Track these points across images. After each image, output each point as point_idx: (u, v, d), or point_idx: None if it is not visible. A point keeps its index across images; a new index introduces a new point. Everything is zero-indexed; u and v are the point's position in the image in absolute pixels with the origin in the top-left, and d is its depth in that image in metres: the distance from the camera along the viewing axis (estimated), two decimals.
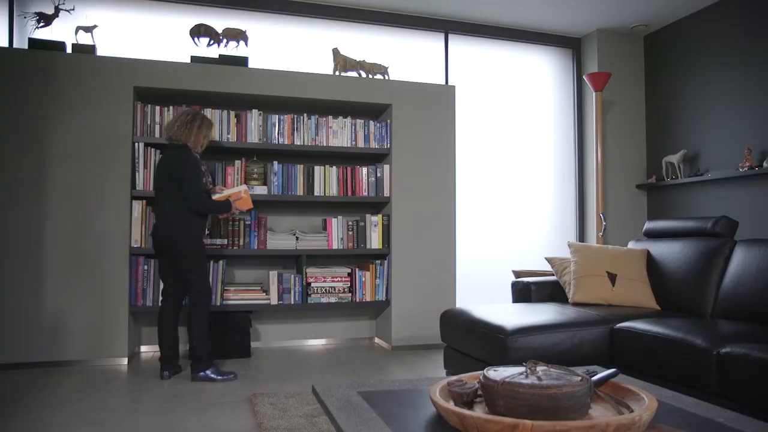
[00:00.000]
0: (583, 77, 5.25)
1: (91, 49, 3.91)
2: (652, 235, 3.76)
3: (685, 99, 5.09)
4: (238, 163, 4.09)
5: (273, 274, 4.11)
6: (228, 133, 4.05)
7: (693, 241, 3.37)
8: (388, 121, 4.41)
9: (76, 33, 3.99)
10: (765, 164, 4.23)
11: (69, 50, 3.88)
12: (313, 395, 2.86)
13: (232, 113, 4.07)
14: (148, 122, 3.92)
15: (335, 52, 4.42)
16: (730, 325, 2.75)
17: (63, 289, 3.66)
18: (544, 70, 5.59)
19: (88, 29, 4.00)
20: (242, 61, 4.17)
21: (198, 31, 4.16)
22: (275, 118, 4.17)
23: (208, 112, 4.01)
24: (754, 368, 2.18)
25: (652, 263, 3.51)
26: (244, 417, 2.65)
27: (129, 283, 3.77)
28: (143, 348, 4.14)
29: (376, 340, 4.62)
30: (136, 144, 3.84)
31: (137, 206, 3.83)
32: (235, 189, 3.53)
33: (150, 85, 3.87)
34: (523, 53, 5.51)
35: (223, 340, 3.91)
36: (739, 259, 3.05)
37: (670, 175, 5.10)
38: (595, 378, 1.50)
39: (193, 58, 4.07)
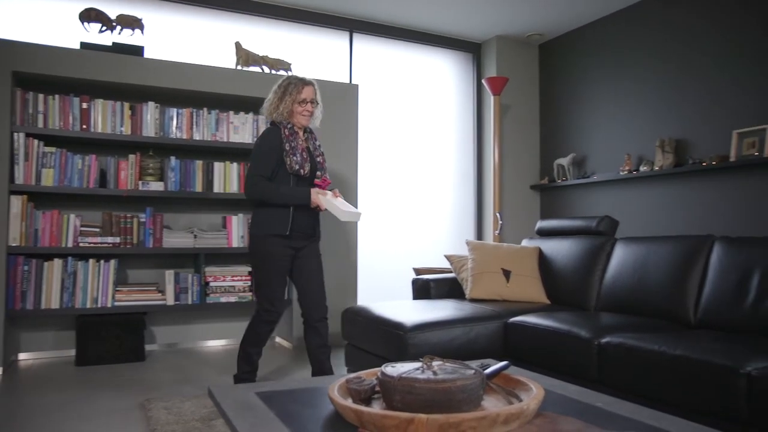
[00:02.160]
0: (483, 81, 5.46)
1: None
2: (544, 234, 3.97)
3: (575, 106, 5.42)
4: (132, 157, 3.88)
5: (169, 274, 3.95)
6: (122, 126, 3.85)
7: (580, 239, 3.59)
8: None
9: None
10: (641, 168, 4.59)
11: None
12: (209, 398, 2.78)
13: (126, 105, 3.86)
14: (30, 111, 3.64)
15: (237, 45, 4.32)
16: (611, 317, 2.96)
17: None
18: (446, 73, 5.74)
19: None
20: (137, 50, 3.97)
21: (88, 16, 3.91)
22: (173, 111, 4.00)
23: (99, 103, 3.78)
24: (629, 356, 2.36)
25: (543, 260, 3.71)
26: (136, 424, 2.53)
27: (6, 284, 3.48)
28: (22, 356, 3.84)
29: (278, 339, 4.56)
30: (15, 134, 3.55)
31: (16, 202, 3.54)
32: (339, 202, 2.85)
33: (32, 71, 3.59)
34: (426, 55, 5.64)
35: (115, 344, 3.71)
36: (619, 255, 3.29)
37: (561, 176, 5.41)
38: (487, 371, 1.56)
39: (83, 45, 3.82)
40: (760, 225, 3.87)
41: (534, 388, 1.46)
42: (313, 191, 2.80)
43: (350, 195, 4.50)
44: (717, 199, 4.16)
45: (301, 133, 2.92)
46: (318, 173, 2.92)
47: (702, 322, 2.76)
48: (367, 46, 5.33)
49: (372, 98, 5.31)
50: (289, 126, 2.86)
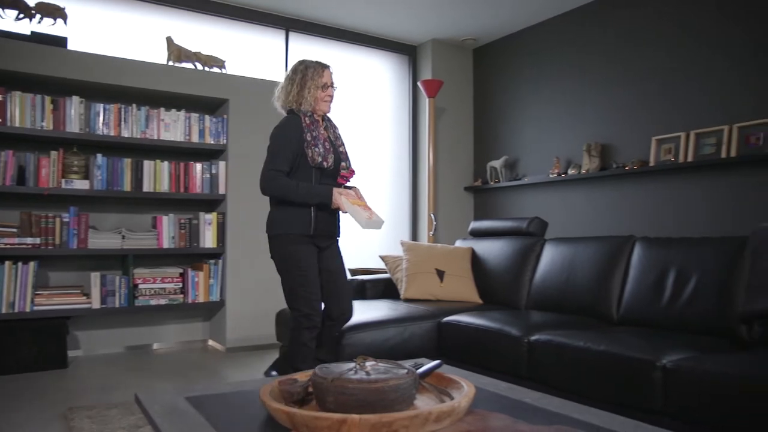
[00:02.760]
0: (418, 83, 5.52)
1: None
2: (477, 234, 4.06)
3: (507, 110, 5.57)
4: (54, 154, 3.70)
5: (95, 276, 3.78)
6: (42, 121, 3.66)
7: (511, 240, 3.69)
8: (225, 116, 4.27)
9: None
10: (569, 171, 4.77)
11: None
12: (136, 404, 2.68)
13: (48, 99, 3.67)
14: None
15: (169, 40, 4.19)
16: (540, 315, 3.06)
17: None
18: (383, 74, 5.78)
19: None
20: (60, 41, 3.78)
21: (3, 1, 3.70)
22: (99, 107, 3.84)
23: (16, 96, 3.58)
24: (557, 352, 2.45)
25: (476, 260, 3.79)
26: None
27: None
28: None
29: (210, 342, 4.46)
30: None
31: None
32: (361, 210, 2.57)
33: None
34: (362, 56, 5.65)
35: (34, 351, 3.52)
36: (548, 256, 3.40)
37: (494, 178, 5.55)
38: (420, 370, 1.58)
39: None
40: (676, 226, 4.09)
41: (465, 386, 1.49)
42: (335, 191, 2.55)
43: None
44: (638, 201, 4.38)
45: (321, 122, 2.71)
46: (343, 164, 2.69)
47: (624, 318, 2.89)
48: (303, 46, 5.28)
49: None
50: (309, 114, 2.64)
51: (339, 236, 2.79)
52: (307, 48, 5.29)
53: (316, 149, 2.57)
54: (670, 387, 2.03)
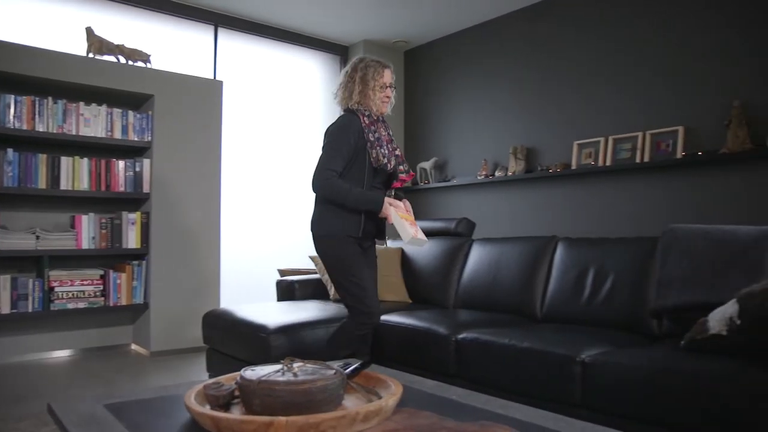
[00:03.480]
0: None
1: None
2: None
3: (437, 112, 5.66)
4: None
5: (5, 279, 3.57)
6: None
7: (440, 240, 3.76)
8: (150, 112, 4.13)
9: None
10: (497, 173, 4.90)
11: None
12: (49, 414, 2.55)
13: None
14: None
15: (89, 31, 4.01)
16: (468, 313, 3.13)
17: None
18: (314, 74, 5.74)
19: None
20: None
21: None
22: (10, 98, 3.62)
23: None
24: (483, 350, 2.51)
25: (405, 260, 3.83)
26: None
27: None
28: None
29: (134, 346, 4.29)
30: None
31: None
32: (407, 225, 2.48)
33: None
34: (293, 55, 5.59)
35: None
36: (475, 255, 3.48)
37: (424, 179, 5.63)
38: (348, 371, 1.58)
39: None
40: (596, 226, 4.29)
41: (393, 386, 1.50)
42: (386, 201, 2.49)
43: (213, 195, 4.35)
44: (561, 202, 4.56)
45: (380, 122, 2.66)
46: (401, 167, 2.64)
47: (546, 316, 3.00)
48: (232, 42, 5.18)
49: (237, 96, 5.17)
50: (367, 114, 2.58)
51: (383, 238, 2.76)
52: (236, 45, 5.19)
53: (381, 150, 2.53)
54: (588, 381, 2.13)
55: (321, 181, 2.46)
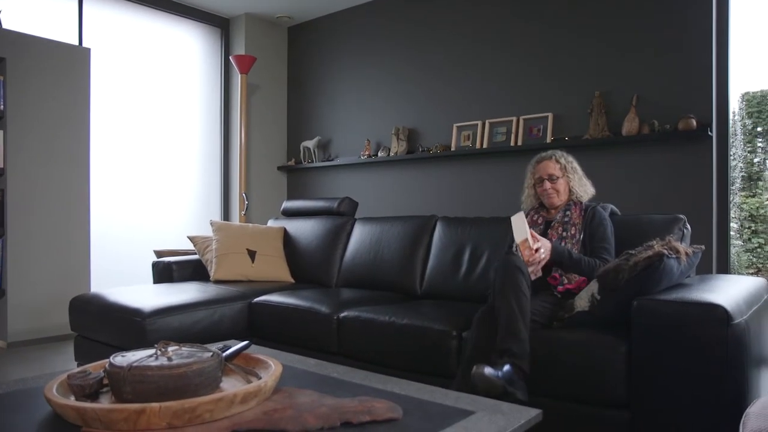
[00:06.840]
0: (230, 58, 5.33)
1: None
2: (289, 214, 4.06)
3: (321, 90, 5.61)
4: None
5: None
6: None
7: (322, 219, 3.76)
8: (2, 78, 3.73)
9: None
10: (379, 154, 4.97)
11: None
12: None
13: None
14: None
15: None
16: (350, 292, 3.17)
17: None
18: (193, 46, 5.47)
19: None
20: None
21: None
22: None
23: None
24: (364, 327, 2.56)
25: (288, 240, 3.80)
26: None
27: None
28: None
29: None
30: None
31: None
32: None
33: None
34: (171, 25, 5.28)
35: None
36: (357, 235, 3.52)
37: (307, 159, 5.58)
38: (226, 353, 1.55)
39: None
40: (471, 206, 4.49)
41: (273, 365, 1.49)
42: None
43: (81, 171, 4.04)
44: (441, 183, 4.71)
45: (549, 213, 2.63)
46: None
47: (426, 293, 3.11)
48: (100, 8, 4.78)
49: (110, 67, 4.80)
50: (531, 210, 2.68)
51: None
52: (105, 11, 4.80)
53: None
54: (464, 354, 2.23)
55: None
